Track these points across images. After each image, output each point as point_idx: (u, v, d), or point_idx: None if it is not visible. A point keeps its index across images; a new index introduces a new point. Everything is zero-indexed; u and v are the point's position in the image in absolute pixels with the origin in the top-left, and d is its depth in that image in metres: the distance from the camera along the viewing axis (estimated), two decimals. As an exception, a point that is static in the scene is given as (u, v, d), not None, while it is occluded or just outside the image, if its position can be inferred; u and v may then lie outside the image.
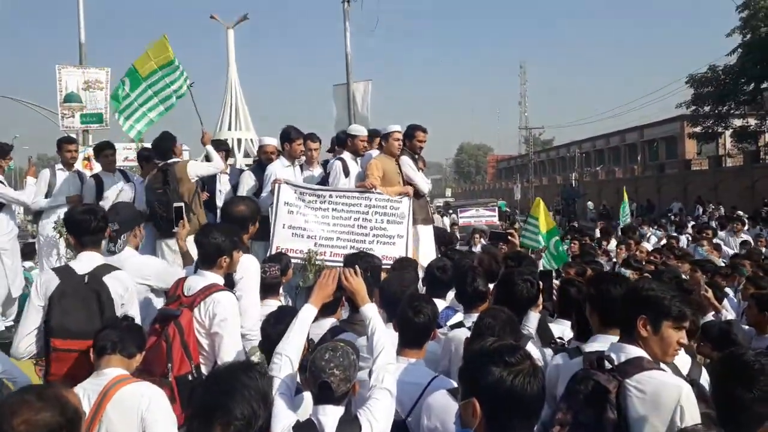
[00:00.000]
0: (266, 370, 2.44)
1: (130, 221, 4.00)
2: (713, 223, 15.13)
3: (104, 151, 7.00)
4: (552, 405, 2.48)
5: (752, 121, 34.65)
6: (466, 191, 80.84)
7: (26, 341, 3.28)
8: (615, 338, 2.59)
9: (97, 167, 7.44)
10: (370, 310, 2.78)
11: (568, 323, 3.66)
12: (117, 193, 6.64)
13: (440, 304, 4.07)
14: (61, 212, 6.10)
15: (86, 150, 9.18)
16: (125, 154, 10.69)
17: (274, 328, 2.89)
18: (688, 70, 38.83)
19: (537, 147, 68.91)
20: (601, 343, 2.70)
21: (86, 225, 3.38)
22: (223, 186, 6.71)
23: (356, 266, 2.99)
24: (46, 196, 6.81)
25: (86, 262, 3.38)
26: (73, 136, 9.36)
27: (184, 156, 7.84)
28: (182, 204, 5.35)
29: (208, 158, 6.22)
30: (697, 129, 36.15)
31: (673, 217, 23.97)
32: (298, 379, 2.60)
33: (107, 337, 2.82)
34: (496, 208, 28.99)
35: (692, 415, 2.29)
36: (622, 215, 13.24)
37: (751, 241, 10.44)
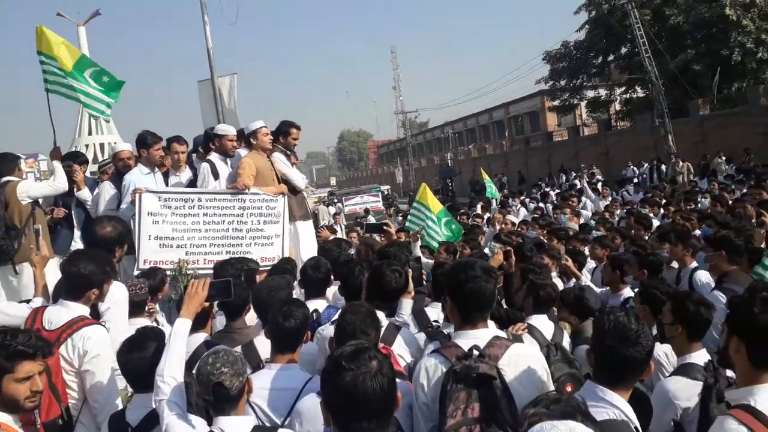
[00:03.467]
0: None
1: None
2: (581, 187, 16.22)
3: None
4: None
5: (603, 92, 37.86)
6: (350, 179, 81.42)
7: None
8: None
9: None
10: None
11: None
12: None
13: (321, 303, 4.10)
14: None
15: None
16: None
17: (129, 356, 2.71)
18: (546, 47, 41.52)
19: (414, 130, 70.71)
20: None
21: None
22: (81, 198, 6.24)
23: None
24: None
25: None
26: None
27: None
28: (39, 227, 4.95)
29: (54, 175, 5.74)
30: (556, 102, 38.96)
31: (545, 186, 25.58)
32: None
33: None
34: (380, 194, 29.61)
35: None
36: (489, 192, 14.15)
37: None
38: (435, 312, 3.92)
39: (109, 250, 3.66)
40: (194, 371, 2.40)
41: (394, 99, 68.70)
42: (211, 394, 2.32)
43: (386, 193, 33.75)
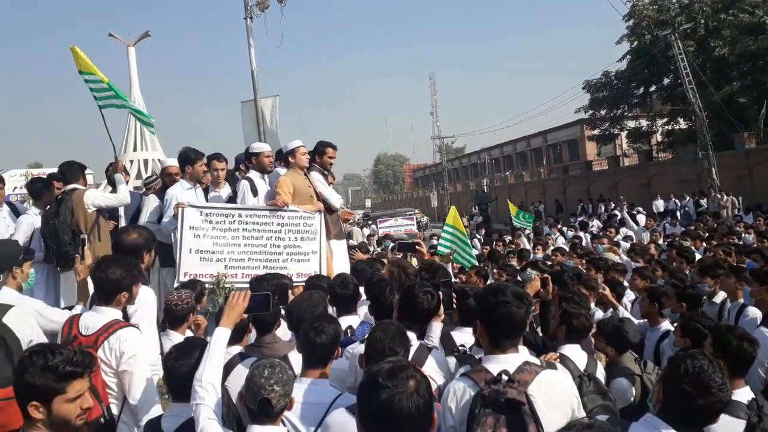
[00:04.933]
0: None
1: (5, 261, 3.82)
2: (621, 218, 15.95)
3: None
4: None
5: (644, 122, 37.28)
6: (386, 201, 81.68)
7: None
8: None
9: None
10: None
11: (470, 330, 3.77)
12: (5, 229, 6.16)
13: (354, 319, 4.12)
14: None
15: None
16: (17, 182, 9.94)
17: (178, 362, 2.79)
18: (585, 76, 41.30)
19: (450, 155, 70.72)
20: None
21: None
22: (124, 212, 6.45)
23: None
24: None
25: None
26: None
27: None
28: (85, 236, 5.12)
29: (114, 187, 5.98)
30: (596, 132, 38.47)
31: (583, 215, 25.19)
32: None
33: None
34: (415, 217, 29.54)
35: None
36: (521, 221, 14.04)
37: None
38: (462, 337, 3.87)
39: (137, 256, 3.78)
40: (247, 376, 2.46)
41: (431, 124, 69.01)
42: (255, 405, 2.37)
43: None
